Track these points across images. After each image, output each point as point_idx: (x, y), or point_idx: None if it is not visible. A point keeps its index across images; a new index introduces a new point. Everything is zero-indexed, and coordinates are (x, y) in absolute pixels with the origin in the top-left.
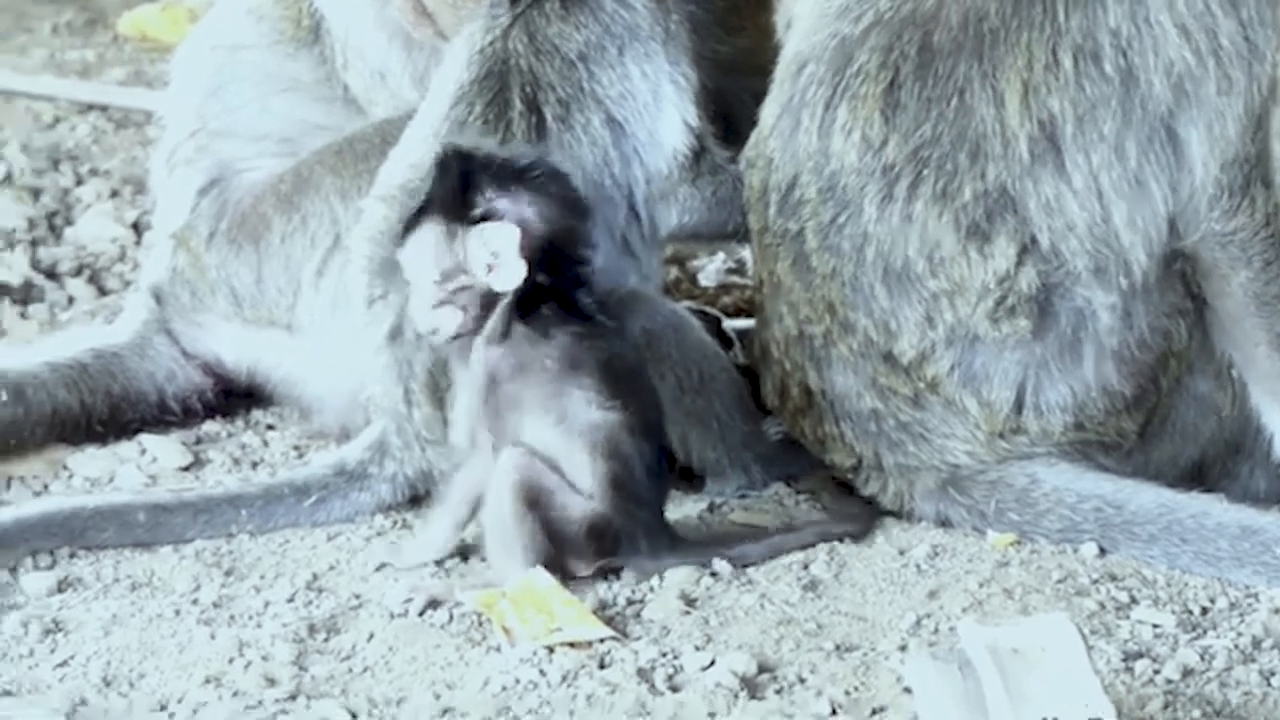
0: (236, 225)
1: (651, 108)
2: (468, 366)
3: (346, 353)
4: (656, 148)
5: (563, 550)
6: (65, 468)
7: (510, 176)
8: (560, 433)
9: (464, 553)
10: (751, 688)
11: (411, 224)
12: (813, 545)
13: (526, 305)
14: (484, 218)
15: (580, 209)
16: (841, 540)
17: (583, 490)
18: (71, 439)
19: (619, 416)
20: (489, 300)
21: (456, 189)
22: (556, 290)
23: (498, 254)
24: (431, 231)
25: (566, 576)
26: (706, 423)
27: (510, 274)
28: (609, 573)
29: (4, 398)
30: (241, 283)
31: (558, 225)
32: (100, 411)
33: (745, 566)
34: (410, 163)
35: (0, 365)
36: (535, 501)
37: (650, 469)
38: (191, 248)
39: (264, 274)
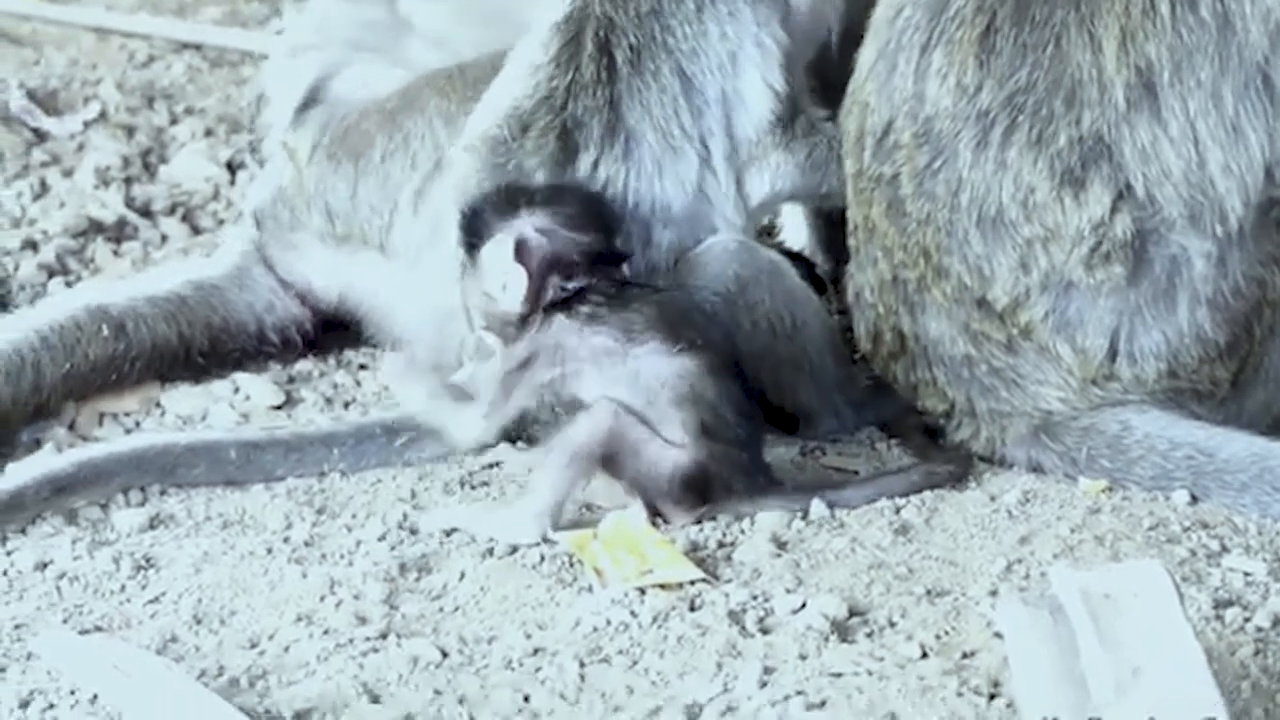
0: (339, 140)
1: (727, 68)
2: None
3: (439, 282)
4: (737, 108)
5: (657, 500)
6: (158, 405)
7: (509, 203)
8: (640, 393)
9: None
10: (842, 631)
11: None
12: (919, 490)
13: (563, 306)
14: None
15: (590, 213)
16: (945, 484)
17: (674, 441)
18: (170, 373)
19: (693, 360)
20: (521, 320)
21: (467, 227)
22: (585, 289)
23: (504, 271)
24: (464, 270)
25: (663, 521)
26: (799, 366)
27: (516, 284)
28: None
29: (105, 332)
30: (337, 198)
31: (564, 234)
32: (200, 344)
33: (849, 509)
34: (494, 107)
35: (101, 300)
36: (615, 454)
37: (740, 408)
38: (297, 160)
39: (359, 190)
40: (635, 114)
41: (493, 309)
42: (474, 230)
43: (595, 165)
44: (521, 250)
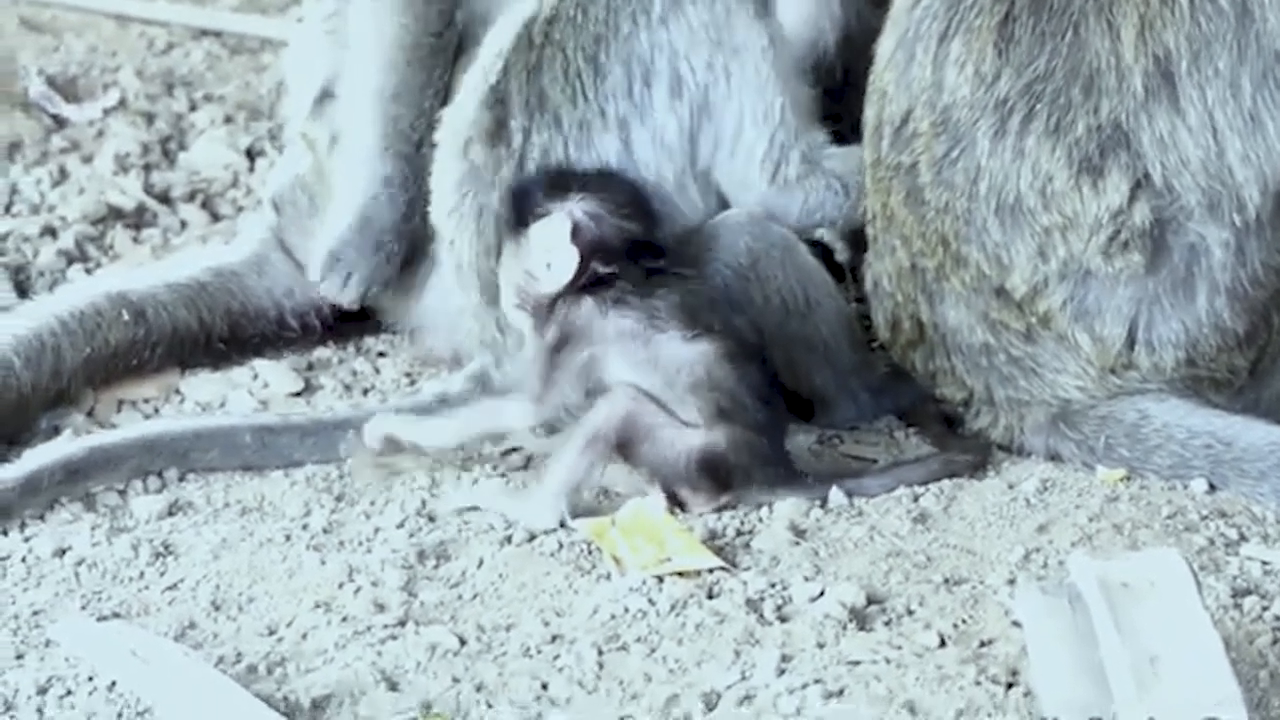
0: None
1: (635, 70)
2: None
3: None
4: (644, 119)
5: (676, 486)
6: (177, 392)
7: (558, 186)
8: (660, 379)
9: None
10: (860, 619)
11: (497, 248)
12: (937, 479)
13: (593, 289)
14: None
15: (636, 202)
16: (963, 473)
17: (691, 425)
18: (190, 359)
19: (710, 346)
20: (555, 300)
21: (515, 205)
22: (617, 274)
23: (552, 250)
24: (506, 247)
25: (682, 509)
26: (813, 347)
27: (565, 264)
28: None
29: (126, 318)
30: None
31: (610, 218)
32: (220, 330)
33: (867, 497)
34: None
35: (121, 287)
36: (633, 439)
37: (759, 394)
38: (317, 151)
39: None
40: (547, 80)
41: (530, 287)
42: (521, 209)
43: (527, 134)
44: (573, 232)
